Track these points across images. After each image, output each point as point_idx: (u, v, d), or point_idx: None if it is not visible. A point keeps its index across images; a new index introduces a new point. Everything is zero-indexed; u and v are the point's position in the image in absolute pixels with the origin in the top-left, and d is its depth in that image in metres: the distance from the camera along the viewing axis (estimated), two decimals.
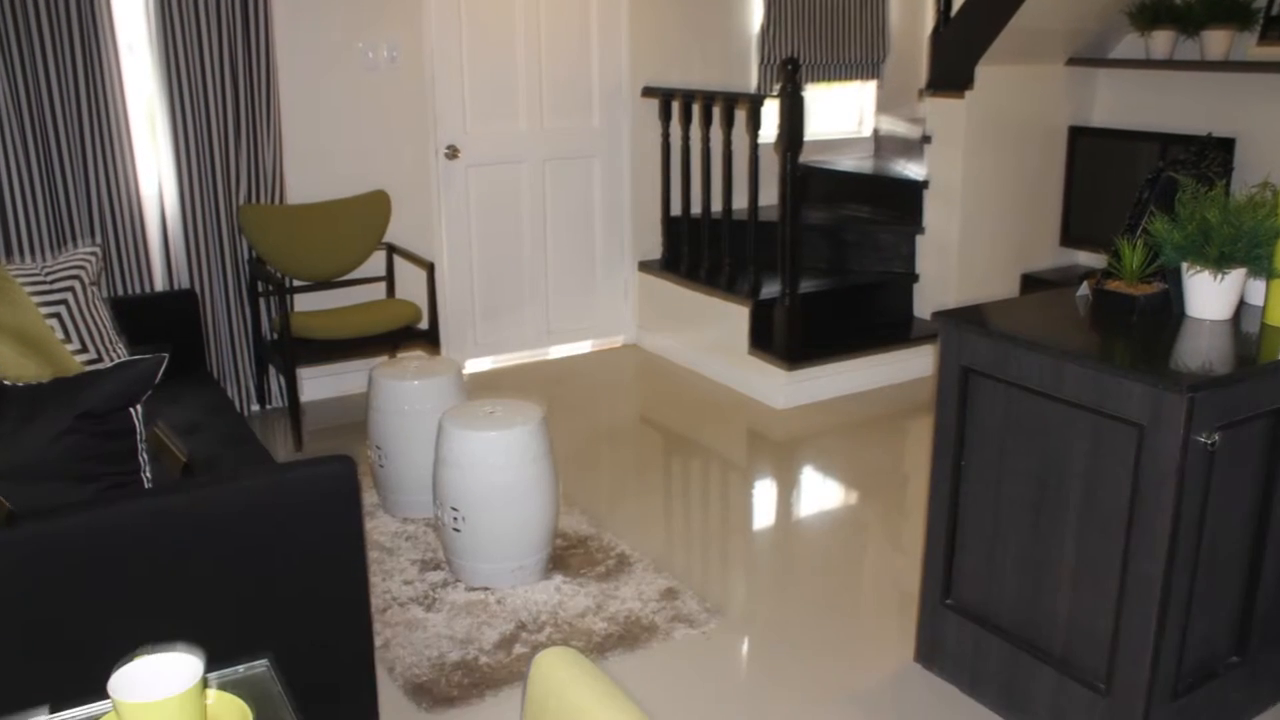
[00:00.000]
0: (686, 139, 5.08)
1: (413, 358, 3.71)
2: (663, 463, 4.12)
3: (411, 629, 2.92)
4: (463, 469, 3.03)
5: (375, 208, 4.54)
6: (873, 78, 5.98)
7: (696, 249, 5.17)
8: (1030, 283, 5.15)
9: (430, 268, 4.36)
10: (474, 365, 5.17)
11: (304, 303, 4.56)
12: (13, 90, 3.81)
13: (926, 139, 5.04)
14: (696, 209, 5.17)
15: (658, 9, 5.19)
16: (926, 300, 5.11)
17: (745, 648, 2.88)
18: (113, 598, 1.91)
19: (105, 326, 2.90)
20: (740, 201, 5.04)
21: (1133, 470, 2.16)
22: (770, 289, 4.76)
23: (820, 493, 3.87)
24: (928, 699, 2.64)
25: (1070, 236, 5.25)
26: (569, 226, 5.28)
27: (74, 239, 4.03)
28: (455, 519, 3.07)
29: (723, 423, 4.49)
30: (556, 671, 1.22)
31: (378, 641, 2.84)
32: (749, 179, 4.75)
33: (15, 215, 3.89)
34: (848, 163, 5.81)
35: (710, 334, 4.98)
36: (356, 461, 2.15)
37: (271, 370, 4.54)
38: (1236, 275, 2.39)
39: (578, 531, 3.48)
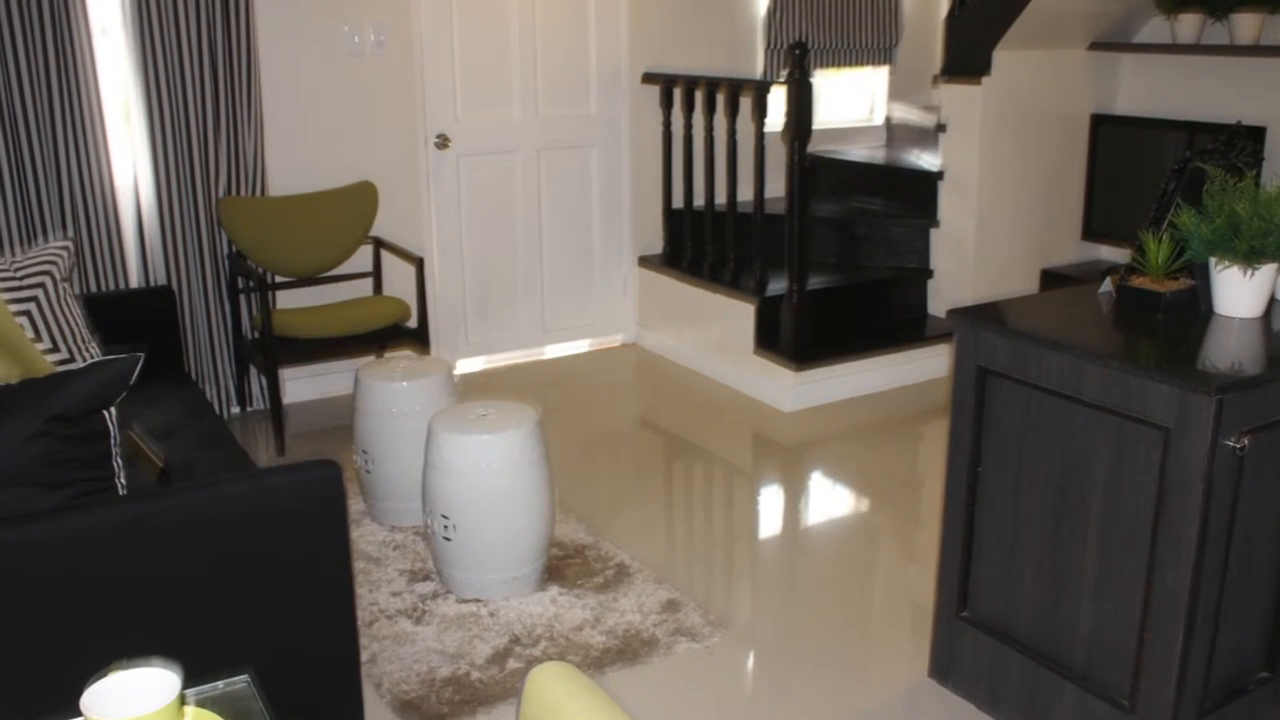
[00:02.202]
0: (689, 128, 5.08)
1: (401, 358, 3.71)
2: (664, 468, 4.12)
3: (400, 643, 2.92)
4: (454, 475, 3.03)
5: (361, 200, 4.55)
6: (885, 63, 5.98)
7: (699, 243, 5.17)
8: (1050, 279, 5.15)
9: (419, 263, 4.37)
10: (465, 365, 5.18)
11: (286, 300, 4.56)
12: None
13: (941, 128, 5.04)
14: (699, 201, 5.17)
15: None
16: (941, 297, 5.12)
17: (750, 663, 2.89)
18: (85, 610, 1.91)
19: (78, 325, 2.91)
20: (745, 193, 5.04)
21: (1158, 476, 2.17)
22: (777, 285, 4.76)
23: (829, 500, 3.87)
24: (942, 716, 2.65)
25: (1092, 230, 5.25)
26: (565, 220, 5.28)
27: (45, 233, 4.03)
28: (446, 527, 3.07)
29: (727, 426, 4.49)
30: (552, 687, 1.22)
31: (364, 656, 2.84)
32: (754, 170, 4.75)
33: None
34: (858, 153, 5.81)
35: (714, 333, 4.98)
36: (342, 467, 2.15)
37: (252, 371, 4.54)
38: (1267, 271, 2.40)
39: (574, 540, 3.48)
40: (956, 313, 2.54)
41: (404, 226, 4.80)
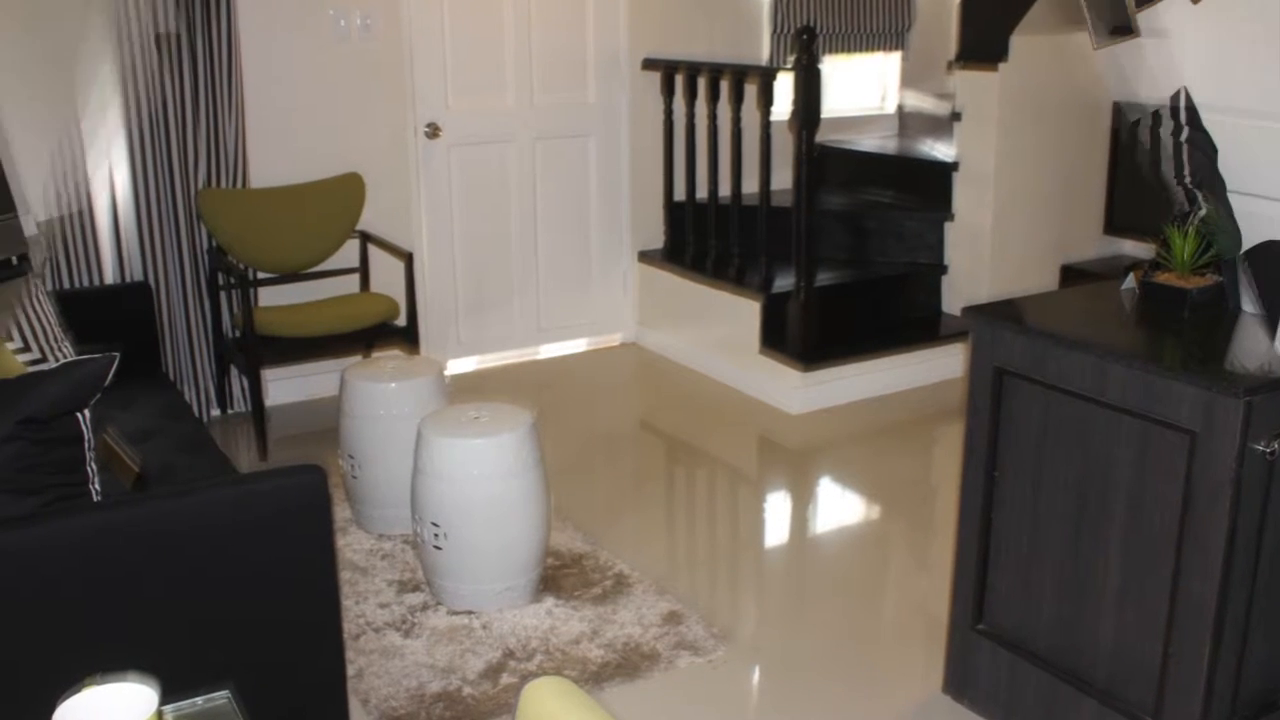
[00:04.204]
0: (691, 116, 5.08)
1: (389, 358, 3.71)
2: (665, 473, 4.12)
3: (388, 657, 2.92)
4: (444, 480, 3.03)
5: (347, 192, 4.55)
6: (897, 48, 5.98)
7: (702, 238, 5.17)
8: (1071, 275, 5.15)
9: (408, 258, 4.37)
10: (457, 366, 5.18)
11: (269, 297, 4.56)
12: None
13: (956, 116, 5.04)
14: (702, 194, 5.17)
15: None
16: (956, 294, 5.12)
17: (755, 677, 2.89)
18: (58, 622, 1.91)
19: (50, 323, 2.91)
20: (750, 185, 5.04)
21: (1183, 481, 2.17)
22: (783, 282, 4.77)
23: (838, 506, 3.87)
24: None
25: (1115, 224, 5.25)
26: (562, 213, 5.28)
27: None
28: (436, 535, 3.07)
29: (731, 429, 4.49)
30: (548, 703, 1.22)
31: (350, 670, 2.84)
32: (760, 161, 4.76)
33: None
34: (869, 142, 5.82)
35: (717, 331, 4.99)
36: (327, 472, 2.15)
37: (233, 371, 4.54)
38: None
39: (571, 549, 3.48)
40: (972, 310, 2.54)
41: (392, 220, 4.80)
